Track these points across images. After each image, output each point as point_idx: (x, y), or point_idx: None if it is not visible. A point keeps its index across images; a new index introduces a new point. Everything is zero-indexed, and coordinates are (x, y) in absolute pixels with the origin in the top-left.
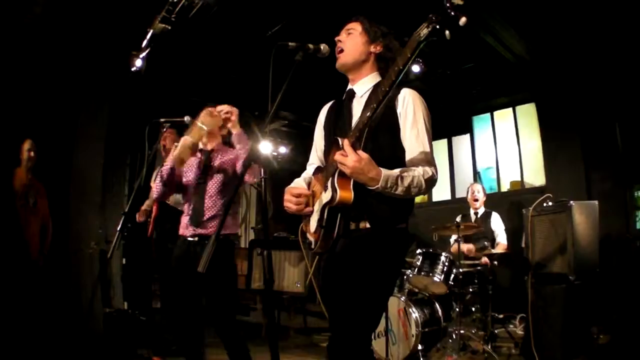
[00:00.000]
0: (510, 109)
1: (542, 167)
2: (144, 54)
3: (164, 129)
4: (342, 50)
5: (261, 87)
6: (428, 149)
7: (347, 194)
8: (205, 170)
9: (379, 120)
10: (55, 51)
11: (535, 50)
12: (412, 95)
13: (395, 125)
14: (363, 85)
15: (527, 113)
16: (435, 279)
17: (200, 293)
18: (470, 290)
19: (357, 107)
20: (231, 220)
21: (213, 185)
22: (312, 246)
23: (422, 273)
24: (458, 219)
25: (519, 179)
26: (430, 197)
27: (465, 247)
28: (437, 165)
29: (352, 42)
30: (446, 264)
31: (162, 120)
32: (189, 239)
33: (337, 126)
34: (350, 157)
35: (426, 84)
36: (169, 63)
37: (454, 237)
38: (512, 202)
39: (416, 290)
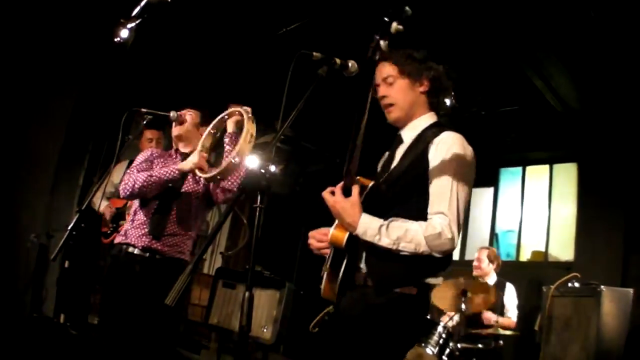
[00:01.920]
0: (547, 166)
1: (573, 240)
2: (132, 25)
3: (144, 121)
4: (390, 105)
5: (263, 91)
6: (449, 202)
7: (338, 234)
8: (182, 179)
9: (407, 169)
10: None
11: (588, 103)
12: (450, 139)
13: (425, 173)
14: (412, 131)
15: (566, 173)
16: (428, 350)
17: (136, 317)
18: None
19: (399, 155)
20: (192, 244)
21: (187, 198)
22: (321, 291)
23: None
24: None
25: (543, 249)
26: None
27: (487, 315)
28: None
29: (397, 93)
30: (443, 335)
31: (143, 110)
32: (136, 252)
33: (380, 174)
34: (331, 197)
35: (454, 121)
36: (161, 43)
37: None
38: (531, 275)
39: None
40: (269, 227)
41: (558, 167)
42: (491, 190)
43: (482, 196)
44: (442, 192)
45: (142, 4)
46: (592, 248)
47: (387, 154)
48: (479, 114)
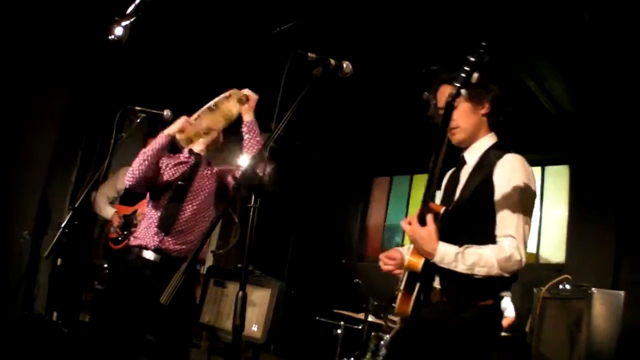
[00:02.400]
0: (539, 168)
1: (564, 242)
2: (127, 23)
3: (138, 119)
4: (455, 128)
5: (257, 92)
6: (515, 226)
7: (415, 261)
8: (192, 174)
9: (474, 192)
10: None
11: (582, 106)
12: (512, 162)
13: (491, 196)
14: (475, 152)
15: (558, 175)
16: None
17: (146, 324)
18: None
19: (464, 177)
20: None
21: (198, 194)
22: (395, 308)
23: None
24: None
25: (535, 251)
26: None
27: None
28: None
29: (460, 116)
30: None
31: (137, 108)
32: (148, 255)
33: (447, 195)
34: (409, 226)
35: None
36: (155, 41)
37: None
38: (522, 277)
39: None
40: (260, 226)
41: (550, 170)
42: None
43: None
44: (510, 215)
45: (137, 2)
46: (583, 250)
47: (449, 174)
48: None
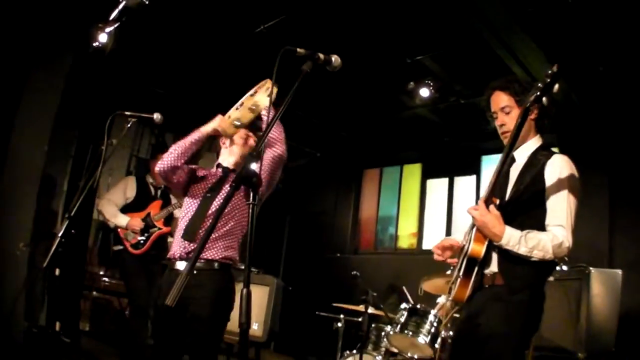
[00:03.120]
0: None
1: None
2: (110, 29)
3: (128, 124)
4: (508, 131)
5: (244, 88)
6: (566, 216)
7: (478, 247)
8: (218, 186)
9: (527, 186)
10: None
11: (567, 88)
12: (561, 162)
13: (543, 191)
14: (524, 152)
15: None
16: (420, 340)
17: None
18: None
19: (514, 173)
20: (228, 242)
21: (227, 195)
22: (450, 295)
23: (406, 332)
24: (449, 272)
25: None
26: (420, 242)
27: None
28: (434, 206)
29: (513, 121)
30: (434, 324)
31: (127, 113)
32: (178, 266)
33: (500, 189)
34: (478, 211)
35: (434, 112)
36: (141, 44)
37: (442, 298)
38: None
39: (395, 350)
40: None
41: None
42: (473, 178)
43: (465, 184)
44: (560, 207)
45: (120, 7)
46: (578, 231)
47: (497, 170)
48: (458, 104)
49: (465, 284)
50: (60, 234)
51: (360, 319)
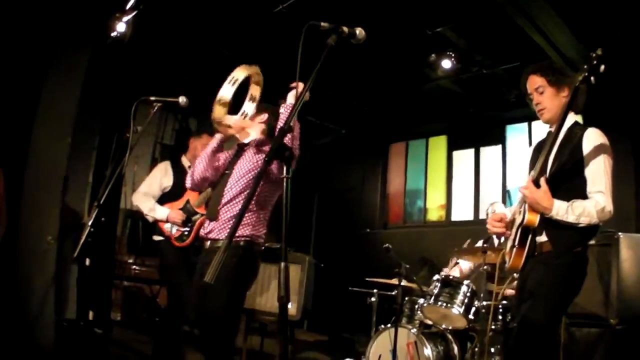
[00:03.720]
0: None
1: None
2: (128, 18)
3: (154, 109)
4: (543, 109)
5: (266, 69)
6: (604, 184)
7: (532, 217)
8: (233, 162)
9: (568, 158)
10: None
11: (588, 55)
12: (595, 134)
13: (581, 162)
14: (561, 129)
15: None
16: (454, 310)
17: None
18: (493, 327)
19: (554, 149)
20: (254, 219)
21: (236, 174)
22: (506, 264)
23: (439, 303)
24: (479, 243)
25: None
26: (448, 215)
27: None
28: (460, 178)
29: (547, 100)
30: (467, 294)
31: (152, 98)
32: (206, 245)
33: (537, 163)
34: (528, 189)
35: (457, 83)
36: (159, 30)
37: (465, 264)
38: None
39: (429, 322)
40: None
41: None
42: (499, 148)
43: (491, 155)
44: (598, 175)
45: None
46: None
47: (535, 146)
48: (481, 74)
49: (520, 253)
50: (90, 223)
51: (393, 293)
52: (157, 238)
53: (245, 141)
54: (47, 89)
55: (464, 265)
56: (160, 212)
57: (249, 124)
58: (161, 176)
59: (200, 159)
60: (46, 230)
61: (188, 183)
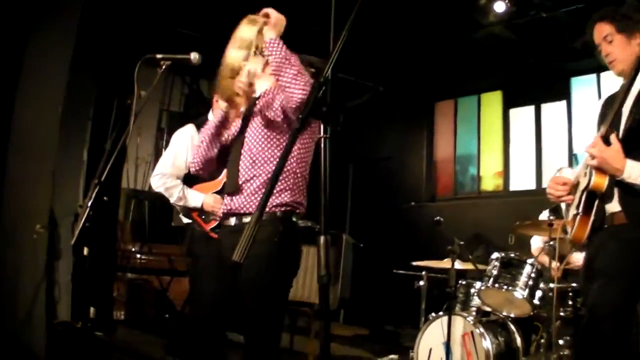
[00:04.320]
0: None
1: None
2: None
3: (161, 69)
4: (613, 60)
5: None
6: None
7: (600, 180)
8: (246, 119)
9: None
10: None
11: None
12: None
13: None
14: (638, 81)
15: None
16: (517, 294)
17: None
18: (562, 314)
19: (628, 101)
20: (292, 184)
21: (253, 134)
22: (568, 234)
23: (499, 286)
24: (544, 214)
25: None
26: (506, 183)
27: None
28: (519, 140)
29: (617, 49)
30: (532, 275)
31: (159, 56)
32: (229, 222)
33: (606, 119)
34: (596, 148)
35: (512, 29)
36: None
37: (537, 240)
38: None
39: (488, 309)
40: (311, 177)
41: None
42: (563, 104)
43: (554, 112)
44: None
45: None
46: None
47: (605, 99)
48: (540, 18)
49: (585, 221)
50: (90, 204)
51: (445, 275)
52: (185, 220)
53: (256, 95)
54: (33, 47)
55: (535, 242)
56: (193, 199)
57: (257, 77)
58: (187, 147)
59: (202, 137)
60: (35, 217)
61: (193, 167)
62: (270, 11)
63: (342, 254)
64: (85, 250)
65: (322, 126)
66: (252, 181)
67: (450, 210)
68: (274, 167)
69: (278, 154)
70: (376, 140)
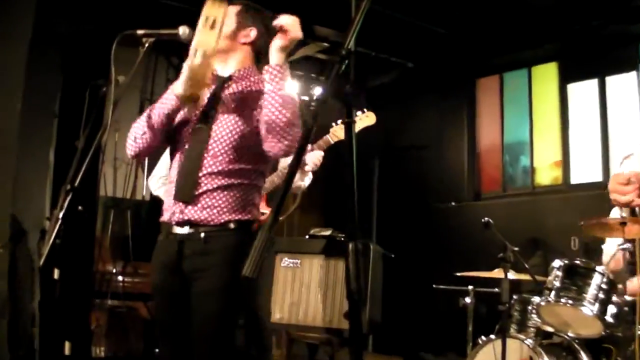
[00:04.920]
0: None
1: None
2: None
3: (144, 47)
4: None
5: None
6: None
7: None
8: (211, 107)
9: None
10: None
11: None
12: None
13: None
14: None
15: None
16: (585, 311)
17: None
18: None
19: None
20: (253, 195)
21: (221, 134)
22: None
23: (563, 300)
24: (615, 211)
25: None
26: (566, 176)
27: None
28: (580, 122)
29: None
30: (603, 287)
31: (139, 32)
32: (176, 230)
33: None
34: None
35: None
36: None
37: (612, 244)
38: None
39: (550, 329)
40: (328, 174)
41: None
42: (633, 75)
43: (622, 86)
44: None
45: None
46: None
47: None
48: None
49: None
50: (61, 215)
51: (496, 290)
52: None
53: (225, 74)
54: None
55: (609, 247)
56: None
57: (222, 50)
58: None
59: (144, 121)
60: None
61: (128, 150)
62: (289, 24)
63: (369, 268)
64: (56, 273)
65: (346, 109)
66: (215, 193)
67: (499, 209)
68: (243, 178)
69: (252, 160)
70: (406, 128)
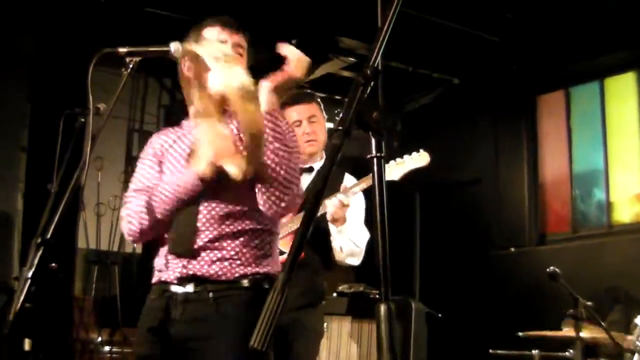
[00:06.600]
0: None
1: None
2: None
3: (127, 70)
4: None
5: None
6: None
7: None
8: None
9: None
10: None
11: None
12: None
13: None
14: None
15: None
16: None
17: None
18: None
19: None
20: (258, 252)
21: (219, 190)
22: None
23: None
24: None
25: None
26: None
27: None
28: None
29: None
30: None
31: (122, 50)
32: (175, 289)
33: None
34: None
35: None
36: None
37: None
38: None
39: None
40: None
41: None
42: None
43: None
44: None
45: None
46: None
47: None
48: None
49: None
50: (30, 275)
51: (567, 354)
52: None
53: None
54: None
55: None
56: None
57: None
58: None
59: (144, 212)
60: None
61: (129, 233)
62: (293, 57)
63: (411, 330)
64: (27, 344)
65: (376, 142)
66: (217, 243)
67: (569, 255)
68: (247, 222)
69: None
70: (453, 157)
